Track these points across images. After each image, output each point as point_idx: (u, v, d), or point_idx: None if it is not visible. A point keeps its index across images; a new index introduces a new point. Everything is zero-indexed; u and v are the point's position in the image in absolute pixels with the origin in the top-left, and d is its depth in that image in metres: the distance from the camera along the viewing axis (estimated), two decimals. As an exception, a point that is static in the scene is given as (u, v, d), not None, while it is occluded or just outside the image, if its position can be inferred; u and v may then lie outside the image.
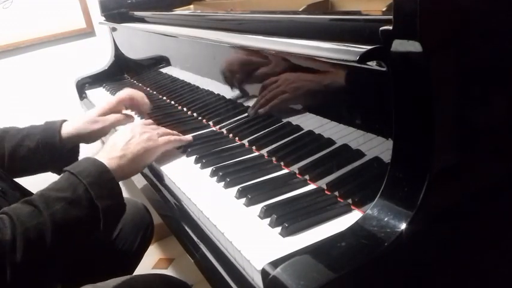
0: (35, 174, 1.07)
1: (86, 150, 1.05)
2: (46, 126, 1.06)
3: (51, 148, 1.03)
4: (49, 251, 0.71)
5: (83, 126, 1.06)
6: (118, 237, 1.19)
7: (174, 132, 1.00)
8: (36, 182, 0.80)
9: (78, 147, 1.12)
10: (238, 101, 0.99)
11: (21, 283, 0.69)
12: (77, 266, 1.13)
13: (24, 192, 0.95)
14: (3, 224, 0.69)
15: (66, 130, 1.05)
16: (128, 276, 0.96)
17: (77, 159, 1.08)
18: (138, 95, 1.16)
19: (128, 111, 1.17)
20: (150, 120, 1.06)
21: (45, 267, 0.74)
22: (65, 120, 1.08)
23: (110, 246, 1.17)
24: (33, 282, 0.74)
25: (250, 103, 0.94)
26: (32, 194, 0.77)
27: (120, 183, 0.82)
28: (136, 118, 1.23)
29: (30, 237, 0.68)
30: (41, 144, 1.02)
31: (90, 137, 1.08)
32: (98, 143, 1.15)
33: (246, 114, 0.97)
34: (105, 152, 0.85)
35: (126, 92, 1.15)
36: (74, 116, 1.11)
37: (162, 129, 0.98)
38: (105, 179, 0.78)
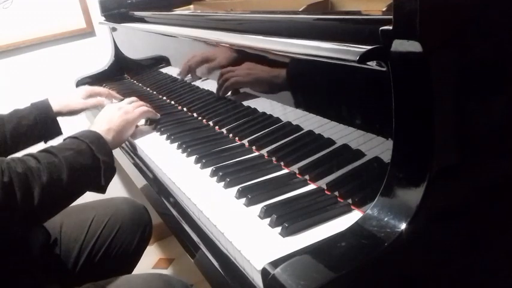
0: (31, 146, 1.22)
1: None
2: (36, 105, 1.23)
3: (47, 121, 1.23)
4: (65, 187, 0.83)
5: (68, 104, 1.29)
6: (116, 236, 1.19)
7: (147, 104, 1.19)
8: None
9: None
10: (238, 101, 0.99)
11: (43, 210, 0.82)
12: (76, 265, 1.13)
13: None
14: (29, 160, 0.82)
15: (54, 107, 1.25)
16: (127, 275, 0.96)
17: (59, 128, 1.28)
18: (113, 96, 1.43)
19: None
20: (128, 99, 1.20)
21: (61, 203, 0.87)
22: (46, 98, 1.26)
23: (108, 245, 1.17)
24: (48, 216, 0.87)
25: (250, 103, 0.94)
26: None
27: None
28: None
29: (52, 170, 0.81)
30: (39, 120, 1.20)
31: (73, 113, 1.32)
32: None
33: (246, 114, 0.97)
34: (94, 127, 1.00)
35: (105, 89, 1.43)
36: (55, 95, 1.30)
37: (135, 103, 1.15)
38: (101, 142, 0.94)
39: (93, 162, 0.89)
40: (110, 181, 0.94)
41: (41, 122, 1.21)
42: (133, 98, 1.20)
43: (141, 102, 1.18)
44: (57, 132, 1.25)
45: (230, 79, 1.00)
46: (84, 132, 0.95)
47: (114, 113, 1.07)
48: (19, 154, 1.12)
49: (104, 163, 0.90)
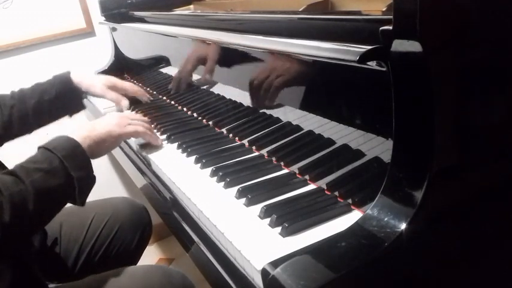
0: (54, 120, 1.24)
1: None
2: (58, 79, 1.22)
3: (70, 95, 1.22)
4: (32, 216, 0.77)
5: (89, 86, 1.26)
6: (116, 236, 1.19)
7: (149, 126, 1.07)
8: (16, 161, 0.85)
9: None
10: (238, 101, 0.99)
11: (7, 244, 0.76)
12: (76, 264, 1.14)
13: (3, 168, 1.03)
14: None
15: (76, 79, 1.23)
16: (128, 267, 0.97)
17: (82, 101, 1.28)
18: (143, 94, 1.37)
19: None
20: (136, 115, 1.16)
21: (28, 232, 0.83)
22: (69, 72, 1.25)
23: (108, 245, 1.18)
24: (16, 244, 0.82)
25: (250, 103, 0.94)
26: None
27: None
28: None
29: (16, 202, 0.74)
30: (60, 94, 1.19)
31: (91, 94, 1.29)
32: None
33: (246, 114, 0.97)
34: (77, 131, 0.92)
35: (130, 85, 1.36)
36: (79, 71, 1.28)
37: (136, 121, 1.04)
38: (77, 153, 0.85)
39: (65, 181, 0.81)
40: (88, 194, 0.87)
41: (62, 95, 1.20)
42: (143, 118, 1.11)
43: (146, 125, 1.05)
44: (80, 106, 1.27)
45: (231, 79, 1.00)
46: (60, 140, 0.86)
47: (104, 121, 0.99)
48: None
49: (78, 180, 0.82)
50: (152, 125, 1.13)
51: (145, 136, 1.03)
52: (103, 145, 0.94)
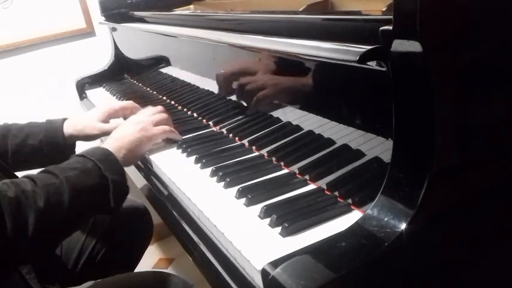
0: (35, 169, 1.09)
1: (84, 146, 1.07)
2: (48, 126, 1.11)
3: (54, 147, 1.09)
4: (66, 210, 0.74)
5: (83, 129, 1.14)
6: (116, 236, 1.19)
7: (169, 118, 1.05)
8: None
9: (75, 143, 1.17)
10: (238, 101, 0.99)
11: (41, 235, 0.71)
12: (77, 265, 1.13)
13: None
14: (23, 182, 0.73)
15: (68, 130, 1.11)
16: (127, 274, 0.96)
17: (74, 152, 1.14)
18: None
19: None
20: (153, 109, 1.07)
21: (62, 230, 0.78)
22: (65, 119, 1.13)
23: (108, 246, 1.17)
24: (45, 247, 0.79)
25: (250, 103, 0.94)
26: None
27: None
28: None
29: (50, 192, 0.72)
30: (44, 143, 1.08)
31: (89, 139, 1.16)
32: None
33: (246, 114, 0.97)
34: (107, 143, 0.92)
35: (131, 103, 1.24)
36: (74, 116, 1.17)
37: (157, 116, 1.02)
38: (111, 159, 0.84)
39: (100, 181, 0.80)
40: (122, 203, 0.84)
41: (46, 145, 1.09)
42: (159, 108, 1.06)
43: (164, 115, 1.03)
44: (68, 156, 1.03)
45: (231, 79, 1.00)
46: (92, 149, 0.86)
47: (129, 128, 0.96)
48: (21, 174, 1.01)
49: (113, 182, 0.80)
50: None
51: (170, 134, 1.02)
52: (139, 151, 0.95)
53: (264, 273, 0.54)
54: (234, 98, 1.01)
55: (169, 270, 1.92)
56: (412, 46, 0.49)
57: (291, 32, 0.76)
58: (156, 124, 1.00)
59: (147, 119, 1.00)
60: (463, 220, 0.55)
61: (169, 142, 1.04)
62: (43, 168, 0.79)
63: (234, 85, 0.99)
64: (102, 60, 1.88)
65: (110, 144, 0.91)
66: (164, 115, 1.03)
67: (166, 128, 1.01)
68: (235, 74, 0.99)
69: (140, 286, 0.92)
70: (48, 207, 0.71)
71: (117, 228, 1.20)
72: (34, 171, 0.84)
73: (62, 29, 1.84)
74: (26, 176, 0.76)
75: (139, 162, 1.08)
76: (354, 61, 0.54)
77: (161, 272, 1.02)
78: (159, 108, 1.07)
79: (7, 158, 1.06)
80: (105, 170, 0.80)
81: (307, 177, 0.77)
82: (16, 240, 0.67)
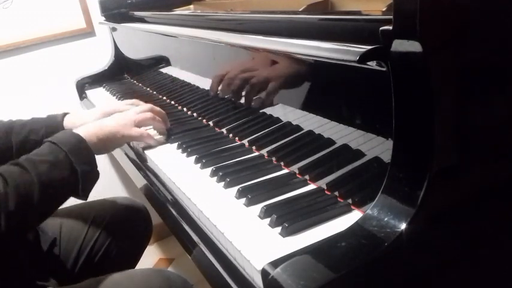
0: None
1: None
2: (48, 121, 1.14)
3: None
4: (36, 206, 0.79)
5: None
6: (116, 236, 1.19)
7: (160, 113, 1.08)
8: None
9: None
10: (238, 101, 0.99)
11: (11, 234, 0.77)
12: (76, 265, 1.13)
13: None
14: None
15: (67, 126, 1.13)
16: (127, 271, 0.96)
17: None
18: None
19: None
20: (141, 108, 1.08)
21: (31, 222, 0.84)
22: (66, 114, 1.16)
23: (107, 245, 1.17)
24: (19, 234, 0.85)
25: (250, 103, 0.94)
26: None
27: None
28: None
29: (21, 192, 0.76)
30: (45, 138, 1.07)
31: None
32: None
33: (246, 114, 0.97)
34: (85, 127, 0.94)
35: (133, 101, 1.23)
36: (75, 112, 1.19)
37: (141, 117, 1.02)
38: (82, 148, 0.87)
39: (70, 175, 0.83)
40: (91, 189, 0.88)
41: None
42: (145, 107, 1.07)
43: (148, 115, 1.04)
44: None
45: (231, 79, 1.00)
46: (65, 135, 0.88)
47: (111, 121, 0.99)
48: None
49: (82, 174, 0.84)
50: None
51: (147, 141, 1.04)
52: (108, 144, 0.97)
53: (264, 273, 0.54)
54: (234, 98, 1.01)
55: (169, 270, 1.92)
56: (412, 46, 0.49)
57: (291, 32, 0.76)
58: (139, 124, 1.02)
59: (131, 117, 1.02)
60: (463, 220, 0.55)
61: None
62: (16, 160, 0.81)
63: (234, 85, 0.99)
64: (102, 60, 1.88)
65: (87, 129, 0.92)
66: (148, 115, 1.05)
67: (144, 132, 1.03)
68: (235, 74, 0.99)
69: (140, 283, 0.92)
70: (18, 208, 0.75)
71: (116, 228, 1.20)
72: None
73: (62, 29, 1.84)
74: None
75: (139, 162, 1.08)
76: (354, 61, 0.54)
77: (161, 269, 1.02)
78: (147, 107, 1.08)
79: (12, 154, 1.09)
80: (75, 162, 0.83)
81: (307, 177, 0.77)
82: None
